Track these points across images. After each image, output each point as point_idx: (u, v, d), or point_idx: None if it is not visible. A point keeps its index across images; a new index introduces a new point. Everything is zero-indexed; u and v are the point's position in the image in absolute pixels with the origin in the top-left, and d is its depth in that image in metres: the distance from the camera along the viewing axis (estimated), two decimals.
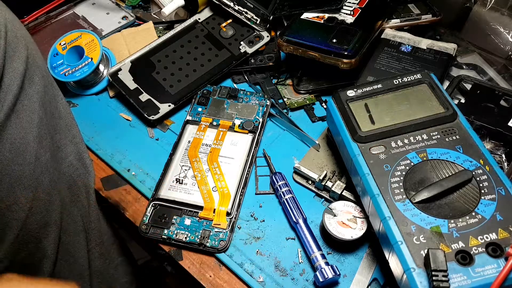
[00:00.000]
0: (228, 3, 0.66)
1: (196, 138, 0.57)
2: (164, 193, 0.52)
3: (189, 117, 0.59)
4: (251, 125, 0.58)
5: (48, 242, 0.50)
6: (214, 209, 0.50)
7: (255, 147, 0.56)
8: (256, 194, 0.54)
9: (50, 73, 0.60)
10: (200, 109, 0.60)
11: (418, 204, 0.41)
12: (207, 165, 0.54)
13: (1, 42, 0.42)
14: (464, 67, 0.64)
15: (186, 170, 0.54)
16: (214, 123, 0.58)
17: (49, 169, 0.48)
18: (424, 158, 0.44)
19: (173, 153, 0.56)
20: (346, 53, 0.56)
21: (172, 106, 0.60)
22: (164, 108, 0.60)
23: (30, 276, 0.45)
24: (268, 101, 0.60)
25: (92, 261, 0.59)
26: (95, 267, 0.60)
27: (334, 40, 0.58)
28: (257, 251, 0.49)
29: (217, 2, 0.66)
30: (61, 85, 0.62)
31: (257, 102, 0.60)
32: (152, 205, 0.51)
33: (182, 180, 0.53)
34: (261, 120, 0.58)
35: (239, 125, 0.58)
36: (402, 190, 0.42)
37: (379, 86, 0.50)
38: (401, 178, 0.43)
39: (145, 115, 0.59)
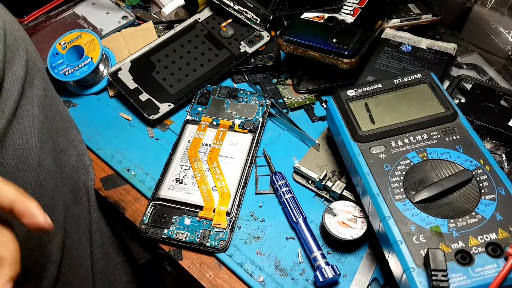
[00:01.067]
0: (228, 3, 0.66)
1: (196, 137, 0.57)
2: (164, 192, 0.52)
3: (189, 117, 0.59)
4: (251, 125, 0.58)
5: (52, 247, 0.50)
6: (214, 209, 0.50)
7: (255, 146, 0.56)
8: (256, 194, 0.54)
9: (50, 73, 0.60)
10: (200, 109, 0.60)
11: (418, 203, 0.41)
12: (207, 165, 0.54)
13: (0, 46, 0.41)
14: (464, 67, 0.64)
15: (186, 169, 0.54)
16: (214, 123, 0.58)
17: (51, 173, 0.48)
18: (424, 158, 0.44)
19: (173, 153, 0.56)
20: (346, 52, 0.56)
21: (172, 105, 0.60)
22: (164, 107, 0.60)
23: None
24: (268, 101, 0.60)
25: (95, 263, 0.59)
26: (97, 268, 0.60)
27: (334, 40, 0.58)
28: (257, 251, 0.49)
29: (217, 2, 0.66)
30: (61, 85, 0.63)
31: (257, 102, 0.60)
32: (152, 205, 0.51)
33: (182, 179, 0.53)
34: (261, 120, 0.58)
35: (239, 125, 0.58)
36: (402, 189, 0.42)
37: (380, 85, 0.50)
38: (401, 177, 0.43)
39: (145, 114, 0.59)
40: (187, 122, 0.59)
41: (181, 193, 0.52)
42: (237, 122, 0.58)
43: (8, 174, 0.43)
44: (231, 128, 0.58)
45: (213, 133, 0.57)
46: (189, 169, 0.54)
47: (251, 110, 0.59)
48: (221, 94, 0.61)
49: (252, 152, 0.55)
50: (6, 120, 0.42)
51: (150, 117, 0.59)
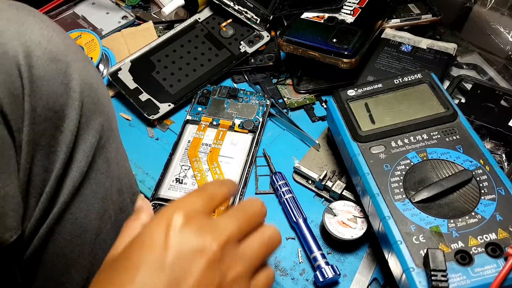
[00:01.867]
0: (228, 2, 0.66)
1: (196, 137, 0.57)
2: (164, 192, 0.52)
3: (189, 117, 0.59)
4: (251, 125, 0.58)
5: None
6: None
7: (255, 146, 0.56)
8: (256, 194, 0.54)
9: None
10: (200, 109, 0.60)
11: (417, 203, 0.41)
12: (207, 165, 0.54)
13: (72, 115, 0.33)
14: (464, 67, 0.64)
15: (186, 169, 0.54)
16: (214, 123, 0.58)
17: (107, 241, 0.41)
18: (424, 158, 0.44)
19: (173, 153, 0.56)
20: (346, 52, 0.56)
21: (172, 105, 0.60)
22: (164, 107, 0.60)
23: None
24: (268, 100, 0.60)
25: None
26: None
27: (334, 40, 0.58)
28: None
29: (217, 2, 0.66)
30: None
31: (257, 102, 0.60)
32: (152, 205, 0.51)
33: (182, 179, 0.53)
34: (261, 119, 0.58)
35: (239, 125, 0.58)
36: (402, 189, 0.42)
37: (380, 85, 0.50)
38: (401, 177, 0.43)
39: (145, 114, 0.59)
40: (187, 122, 0.59)
41: (181, 193, 0.52)
42: (237, 122, 0.58)
43: (60, 250, 0.37)
44: (231, 128, 0.58)
45: (213, 133, 0.57)
46: (189, 169, 0.54)
47: (251, 110, 0.59)
48: (221, 94, 0.61)
49: (252, 152, 0.55)
50: (69, 193, 0.35)
51: (150, 117, 0.59)
